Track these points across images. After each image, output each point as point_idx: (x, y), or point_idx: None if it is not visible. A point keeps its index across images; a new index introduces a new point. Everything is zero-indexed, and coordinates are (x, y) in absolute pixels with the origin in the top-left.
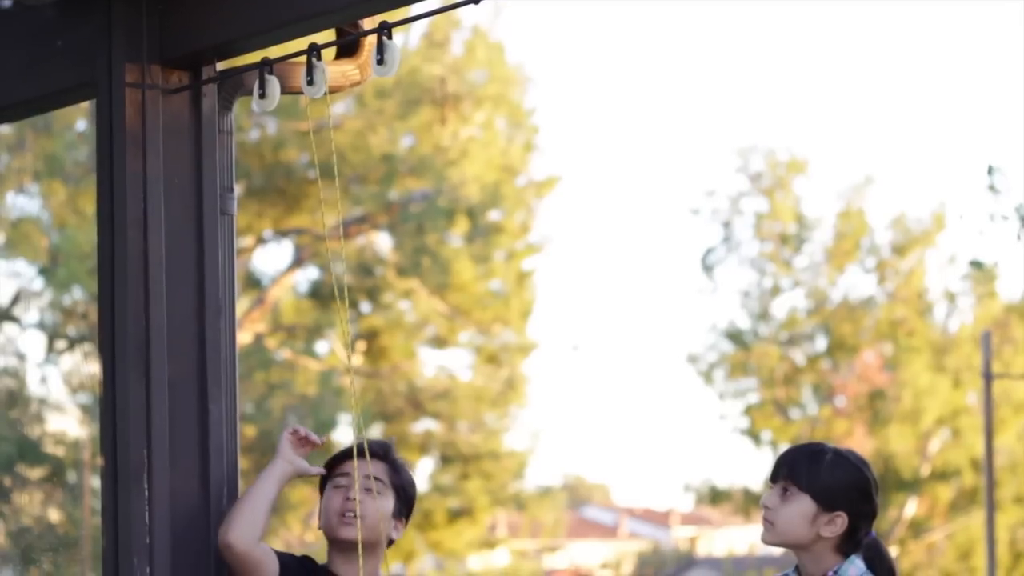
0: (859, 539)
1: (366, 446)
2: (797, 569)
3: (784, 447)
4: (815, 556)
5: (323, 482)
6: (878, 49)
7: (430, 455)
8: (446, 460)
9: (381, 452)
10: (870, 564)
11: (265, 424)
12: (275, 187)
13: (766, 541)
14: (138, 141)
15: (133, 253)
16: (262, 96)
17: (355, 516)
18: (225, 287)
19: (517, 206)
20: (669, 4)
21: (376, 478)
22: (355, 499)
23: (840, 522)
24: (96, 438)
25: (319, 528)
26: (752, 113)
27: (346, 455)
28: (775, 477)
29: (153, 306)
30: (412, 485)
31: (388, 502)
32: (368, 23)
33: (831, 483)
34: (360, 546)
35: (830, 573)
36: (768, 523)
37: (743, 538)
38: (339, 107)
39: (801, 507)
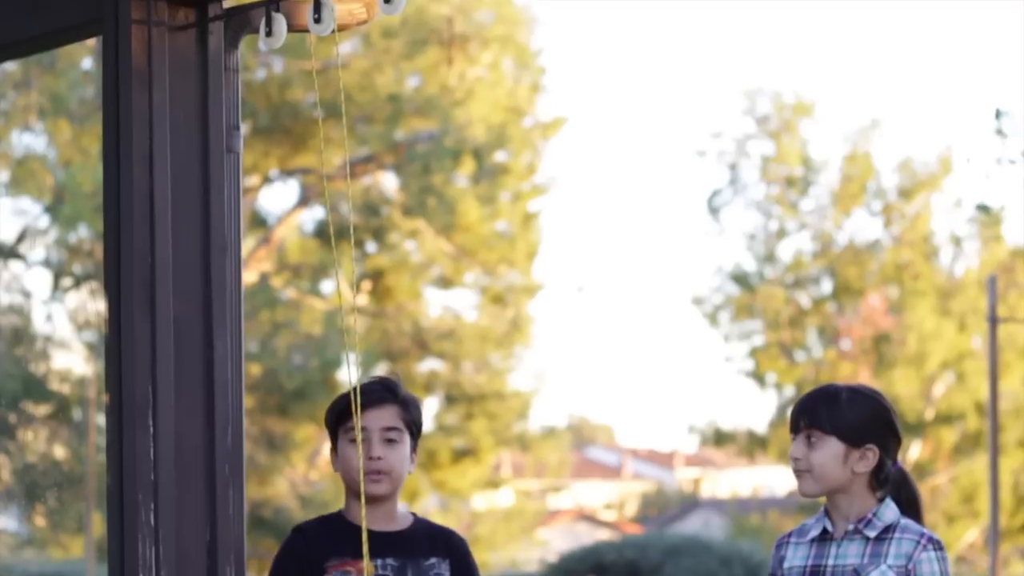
0: (888, 471)
1: (375, 390)
2: (827, 514)
3: (789, 389)
4: (851, 497)
5: (333, 426)
6: None
7: (435, 395)
8: (451, 400)
9: (391, 395)
10: (898, 494)
11: (270, 363)
12: (281, 126)
13: (806, 492)
14: (144, 78)
15: (139, 191)
16: (268, 34)
17: (383, 473)
18: (231, 225)
19: (523, 147)
20: None
21: (392, 427)
22: (378, 457)
23: (872, 455)
24: (101, 375)
25: (335, 471)
26: (759, 55)
27: (360, 404)
28: (795, 428)
29: (159, 244)
30: (420, 412)
31: (406, 447)
32: None
33: (853, 419)
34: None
35: (870, 515)
36: (802, 474)
37: (747, 480)
38: (345, 47)
39: (831, 450)
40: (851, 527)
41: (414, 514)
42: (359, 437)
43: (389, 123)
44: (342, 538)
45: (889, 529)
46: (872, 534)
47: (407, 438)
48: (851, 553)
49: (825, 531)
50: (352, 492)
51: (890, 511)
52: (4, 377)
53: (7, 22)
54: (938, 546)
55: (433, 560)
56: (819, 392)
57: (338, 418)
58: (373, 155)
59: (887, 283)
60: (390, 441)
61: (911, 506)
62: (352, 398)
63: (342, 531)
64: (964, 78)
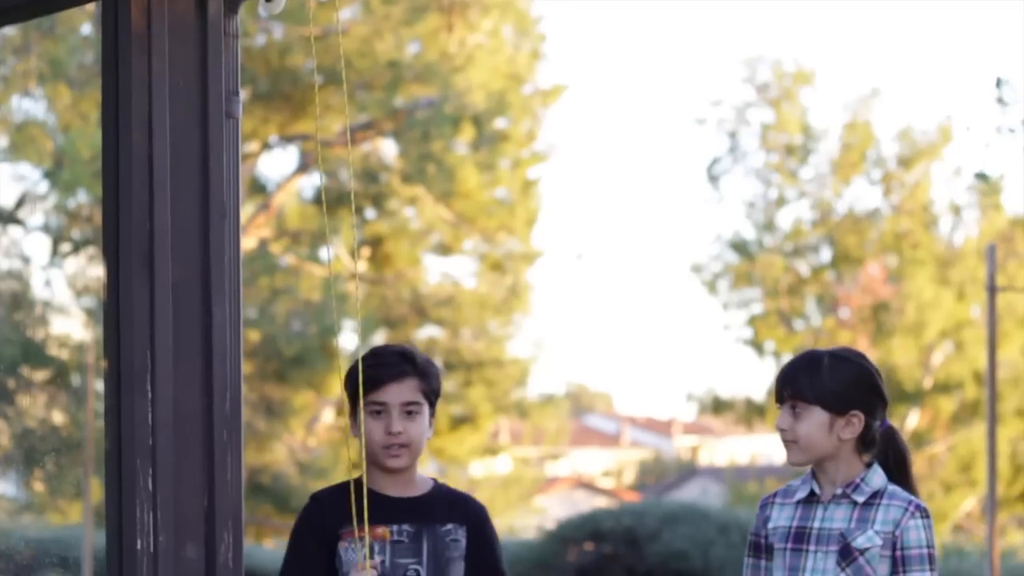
0: (875, 434)
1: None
2: (814, 476)
3: (787, 358)
4: (839, 463)
5: (352, 395)
6: None
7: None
8: (449, 367)
9: (411, 367)
10: (886, 453)
11: (269, 329)
12: (281, 93)
13: (794, 462)
14: (143, 44)
15: (138, 156)
16: (268, 0)
17: (402, 447)
18: (230, 190)
19: (523, 114)
20: None
21: (412, 402)
22: (398, 432)
23: (857, 421)
24: (100, 341)
25: (353, 435)
26: (759, 23)
27: (380, 379)
28: (780, 398)
29: (157, 209)
30: (438, 380)
31: (425, 418)
32: None
33: (836, 387)
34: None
35: (858, 480)
36: (789, 444)
37: (745, 448)
38: (345, 13)
39: (816, 419)
40: (839, 491)
41: (435, 480)
42: (352, 422)
43: (389, 90)
44: (359, 504)
45: (877, 495)
46: (860, 499)
47: (426, 408)
48: (838, 517)
49: (812, 493)
50: (371, 462)
51: (878, 476)
52: (2, 342)
53: None
54: (925, 514)
55: (450, 526)
56: (801, 360)
57: (357, 390)
58: (372, 122)
59: (886, 252)
60: (409, 414)
61: (899, 465)
62: (360, 366)
63: (359, 497)
64: (964, 47)
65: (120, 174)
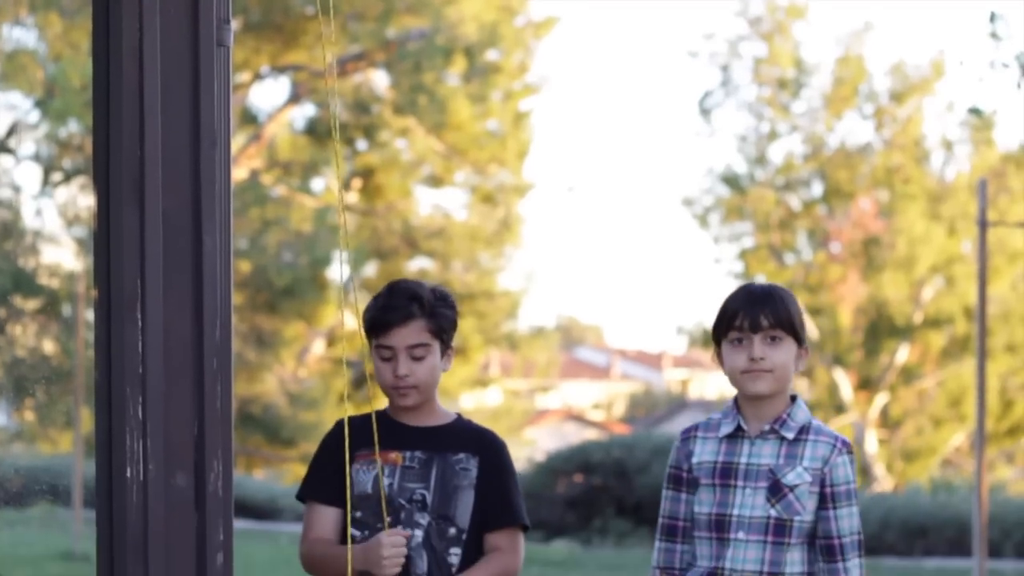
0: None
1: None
2: (738, 409)
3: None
4: (777, 400)
5: (367, 333)
6: None
7: None
8: None
9: (418, 308)
10: None
11: (260, 260)
12: (272, 23)
13: (762, 393)
14: None
15: (128, 84)
16: None
17: (410, 388)
18: (221, 119)
19: (515, 46)
20: None
21: (419, 344)
22: (405, 375)
23: (805, 354)
24: (90, 271)
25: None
26: None
27: (386, 323)
28: (756, 327)
29: (148, 138)
30: (449, 316)
31: (435, 356)
32: None
33: (800, 319)
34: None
35: (784, 415)
36: (763, 374)
37: None
38: None
39: (790, 349)
40: (766, 427)
41: (459, 415)
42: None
43: (380, 21)
44: (380, 431)
45: (803, 430)
46: (789, 435)
47: (436, 346)
48: (765, 453)
49: (739, 428)
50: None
51: (802, 411)
52: None
53: None
54: (850, 449)
55: (462, 456)
56: (761, 291)
57: (368, 331)
58: (364, 53)
59: (878, 186)
60: (416, 358)
61: None
62: (387, 321)
63: (381, 425)
64: None
65: (111, 103)
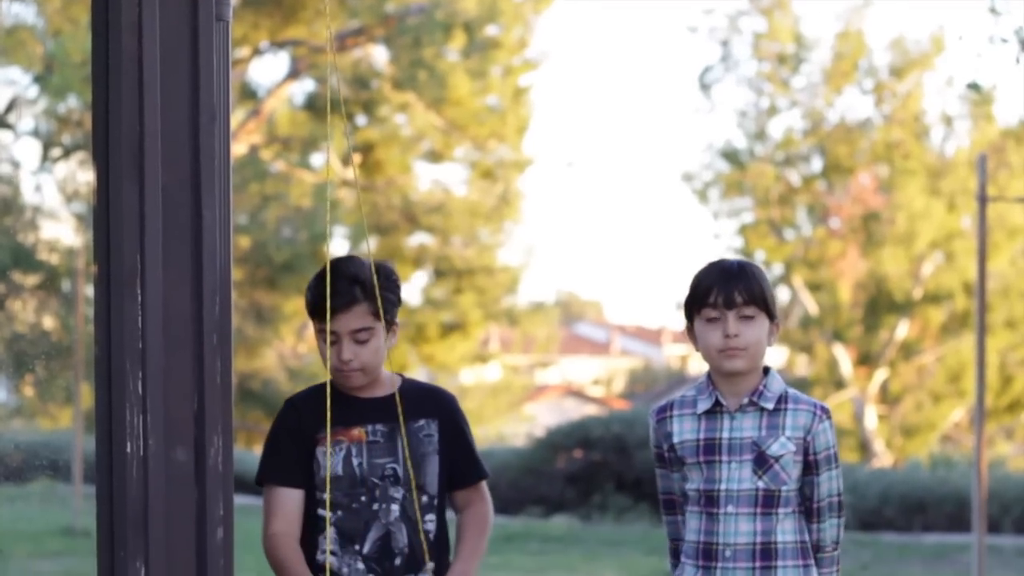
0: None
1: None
2: (714, 385)
3: (777, 267)
4: (752, 374)
5: (311, 315)
6: None
7: (424, 269)
8: (440, 274)
9: (360, 291)
10: None
11: (259, 235)
12: None
13: (737, 371)
14: None
15: (127, 59)
16: None
17: (355, 371)
18: (220, 93)
19: (515, 21)
20: None
21: (361, 328)
22: (349, 359)
23: (777, 330)
24: (90, 247)
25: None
26: None
27: (331, 309)
28: (730, 303)
29: (147, 113)
30: (391, 295)
31: (379, 338)
32: None
33: (772, 294)
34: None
35: (761, 387)
36: (738, 351)
37: None
38: None
39: (763, 325)
40: (744, 400)
41: (402, 376)
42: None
43: None
44: (334, 407)
45: (781, 399)
46: (769, 406)
47: (380, 327)
48: (747, 426)
49: (717, 403)
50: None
51: (776, 381)
52: None
53: None
54: (829, 415)
55: (422, 422)
56: (732, 267)
57: (311, 314)
58: (363, 27)
59: (877, 162)
60: (360, 341)
61: None
62: (332, 306)
63: (334, 401)
64: None
65: (110, 78)
